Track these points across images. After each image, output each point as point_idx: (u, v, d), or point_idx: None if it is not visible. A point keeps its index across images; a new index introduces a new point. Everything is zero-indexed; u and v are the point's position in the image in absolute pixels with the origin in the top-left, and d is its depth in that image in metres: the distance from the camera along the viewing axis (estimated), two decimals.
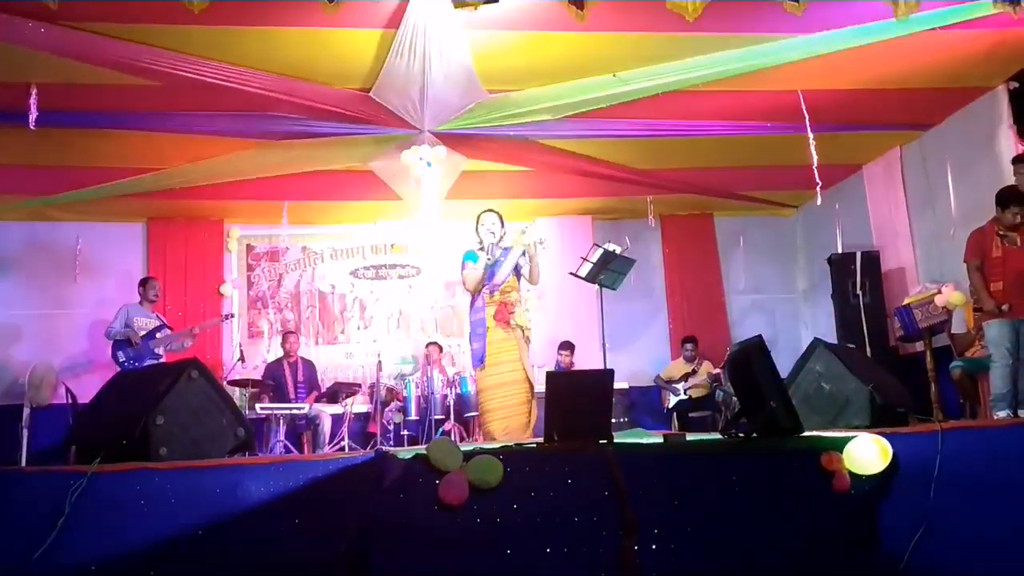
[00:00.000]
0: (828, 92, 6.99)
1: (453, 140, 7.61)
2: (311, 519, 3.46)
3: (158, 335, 8.22)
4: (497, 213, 6.38)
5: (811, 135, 7.15)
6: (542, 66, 6.57)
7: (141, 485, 3.38)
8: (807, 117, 7.06)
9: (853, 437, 3.75)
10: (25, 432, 8.21)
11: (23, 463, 7.69)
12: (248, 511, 3.42)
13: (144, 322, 8.24)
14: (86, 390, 7.39)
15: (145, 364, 7.92)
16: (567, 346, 9.45)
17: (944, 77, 6.88)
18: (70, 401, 8.05)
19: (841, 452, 3.69)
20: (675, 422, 9.31)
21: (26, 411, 8.33)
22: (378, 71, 6.49)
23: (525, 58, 6.44)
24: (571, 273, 7.45)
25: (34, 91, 6.25)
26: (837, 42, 6.22)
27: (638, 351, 9.95)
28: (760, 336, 3.98)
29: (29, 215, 9.23)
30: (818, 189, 7.40)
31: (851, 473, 3.66)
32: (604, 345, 7.39)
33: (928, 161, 8.16)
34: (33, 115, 6.26)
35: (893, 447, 3.72)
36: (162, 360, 8.16)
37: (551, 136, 7.81)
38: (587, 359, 9.29)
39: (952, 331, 7.19)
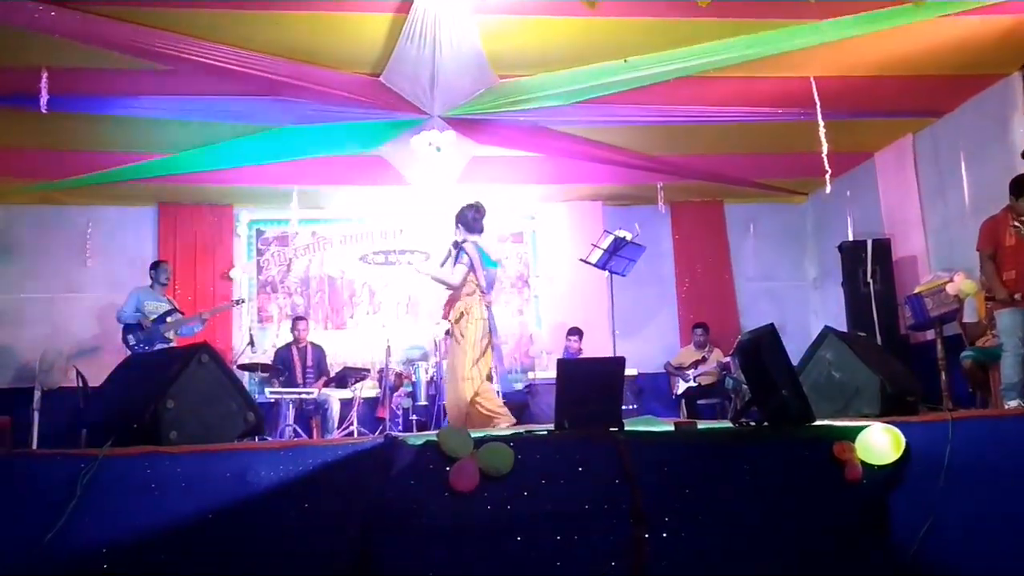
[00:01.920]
0: (840, 79, 6.95)
1: (463, 125, 7.58)
2: (320, 503, 3.45)
3: (169, 319, 8.23)
4: (458, 209, 6.34)
5: (821, 122, 7.10)
6: (553, 52, 6.54)
7: (152, 469, 3.38)
8: (819, 104, 7.02)
9: (865, 426, 3.74)
10: (36, 415, 8.27)
11: (34, 446, 7.74)
12: (257, 495, 3.42)
13: (155, 306, 8.25)
14: (96, 374, 7.39)
15: (156, 348, 7.94)
16: (576, 332, 9.44)
17: (958, 64, 6.83)
18: (81, 384, 8.08)
19: (853, 441, 3.68)
20: (683, 409, 9.30)
21: (37, 394, 8.39)
22: (388, 56, 6.47)
23: (536, 43, 6.41)
24: (581, 259, 7.44)
25: (45, 75, 6.24)
26: (850, 28, 6.16)
27: (647, 338, 9.95)
28: (772, 324, 3.97)
29: (40, 199, 9.25)
30: (827, 177, 7.35)
31: (863, 463, 3.65)
32: (613, 331, 7.39)
33: (941, 149, 8.12)
34: (44, 99, 6.26)
35: (903, 436, 3.70)
36: (172, 344, 8.18)
37: (561, 122, 7.79)
38: (596, 345, 9.28)
39: (963, 320, 7.15)
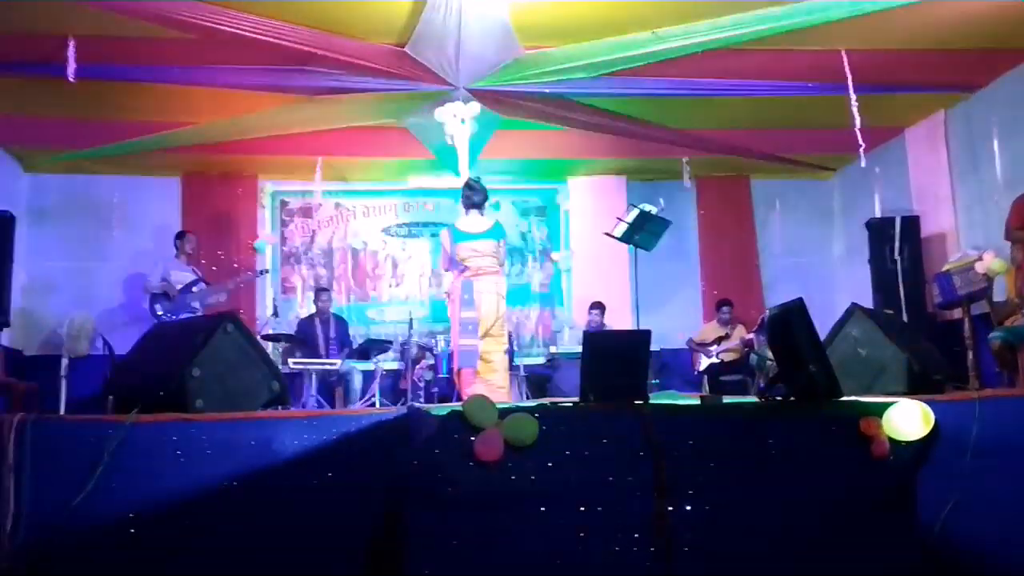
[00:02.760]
0: (872, 52, 6.84)
1: (488, 97, 7.53)
2: (345, 473, 3.48)
3: (194, 289, 8.29)
4: None
5: (853, 96, 7.00)
6: (580, 23, 6.47)
7: (178, 436, 3.41)
8: (850, 78, 6.92)
9: (894, 403, 3.70)
10: (63, 382, 8.35)
11: (61, 412, 7.82)
12: (282, 463, 3.44)
13: (181, 276, 8.31)
14: (123, 342, 7.47)
15: (182, 317, 7.99)
16: (598, 306, 9.43)
17: (992, 38, 6.70)
18: (107, 352, 8.15)
19: (881, 417, 3.64)
20: (706, 385, 9.28)
21: (64, 361, 8.47)
22: (414, 26, 6.42)
23: (563, 14, 6.34)
24: (606, 233, 7.40)
25: (72, 43, 6.24)
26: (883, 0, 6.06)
27: (669, 313, 9.90)
28: (801, 298, 3.93)
29: (67, 168, 9.27)
30: (861, 151, 7.26)
31: (890, 439, 3.62)
32: (636, 306, 7.36)
33: (973, 125, 7.99)
34: (71, 67, 6.26)
35: (932, 412, 3.66)
36: (199, 313, 8.23)
37: (587, 94, 7.71)
38: (618, 320, 9.26)
39: (992, 299, 7.06)
